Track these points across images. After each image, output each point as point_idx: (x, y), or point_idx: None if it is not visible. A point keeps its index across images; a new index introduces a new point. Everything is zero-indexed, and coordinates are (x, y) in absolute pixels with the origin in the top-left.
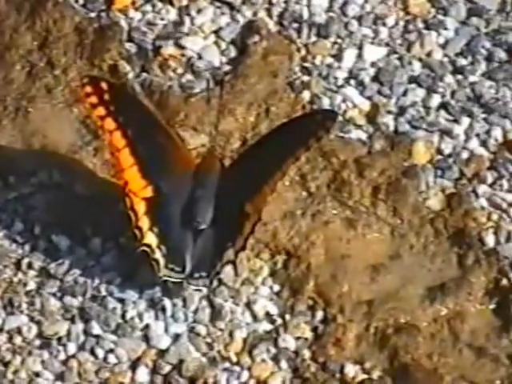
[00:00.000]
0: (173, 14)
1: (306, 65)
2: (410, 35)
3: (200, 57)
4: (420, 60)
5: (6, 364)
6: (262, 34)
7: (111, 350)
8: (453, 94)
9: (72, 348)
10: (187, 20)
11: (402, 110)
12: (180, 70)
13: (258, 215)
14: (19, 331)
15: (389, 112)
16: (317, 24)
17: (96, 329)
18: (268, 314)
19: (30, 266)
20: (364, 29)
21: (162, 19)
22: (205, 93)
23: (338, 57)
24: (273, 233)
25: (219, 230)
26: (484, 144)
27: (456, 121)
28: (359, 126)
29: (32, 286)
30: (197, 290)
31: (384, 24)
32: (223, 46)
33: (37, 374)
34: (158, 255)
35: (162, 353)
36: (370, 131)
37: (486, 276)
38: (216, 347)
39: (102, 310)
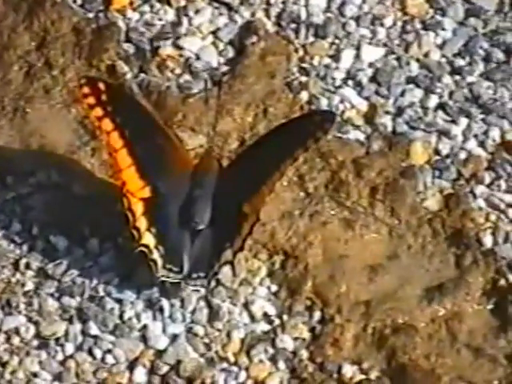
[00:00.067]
0: (171, 15)
1: (303, 65)
2: (408, 36)
3: (198, 57)
4: (418, 60)
5: (4, 364)
6: (259, 34)
7: (109, 351)
8: (451, 94)
9: (70, 348)
10: (185, 20)
11: (399, 111)
12: (178, 71)
13: (257, 216)
14: (17, 331)
15: (387, 112)
16: (315, 24)
17: (94, 329)
18: (266, 315)
19: (27, 266)
20: (362, 29)
21: (160, 20)
22: (203, 93)
23: (335, 57)
24: (271, 233)
25: (217, 231)
26: (482, 144)
27: (454, 121)
28: (357, 127)
29: (30, 286)
30: (195, 290)
31: (382, 24)
32: (221, 46)
33: (35, 375)
34: (155, 256)
35: (159, 353)
36: (368, 132)
37: (484, 276)
38: (214, 348)
39: (100, 311)
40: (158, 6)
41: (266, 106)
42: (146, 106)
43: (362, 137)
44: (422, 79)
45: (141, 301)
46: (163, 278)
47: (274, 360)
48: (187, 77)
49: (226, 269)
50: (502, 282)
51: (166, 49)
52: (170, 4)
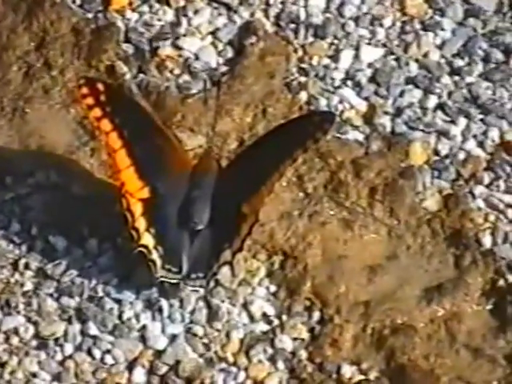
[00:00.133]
0: (170, 15)
1: (302, 66)
2: (407, 36)
3: (197, 57)
4: (417, 61)
5: (3, 364)
6: (258, 34)
7: (108, 351)
8: (450, 94)
9: (69, 348)
10: (184, 21)
11: (398, 111)
12: (177, 71)
13: (256, 216)
14: (16, 332)
15: (386, 113)
16: (314, 25)
17: (93, 329)
18: (265, 315)
19: (27, 266)
20: (361, 30)
21: (159, 20)
22: (202, 93)
23: (334, 58)
24: (270, 233)
25: (216, 231)
26: (481, 145)
27: (453, 122)
28: (356, 127)
29: (29, 286)
30: (194, 290)
31: (381, 25)
32: (220, 46)
33: (34, 375)
34: (154, 256)
35: (158, 353)
36: (367, 132)
37: (483, 277)
38: (213, 348)
39: (99, 311)
40: (157, 6)
41: (265, 107)
42: (145, 107)
43: (361, 137)
44: (421, 79)
45: (140, 301)
46: (162, 279)
47: (273, 360)
48: (186, 77)
49: (225, 269)
50: (501, 282)
51: (165, 49)
52: (169, 4)
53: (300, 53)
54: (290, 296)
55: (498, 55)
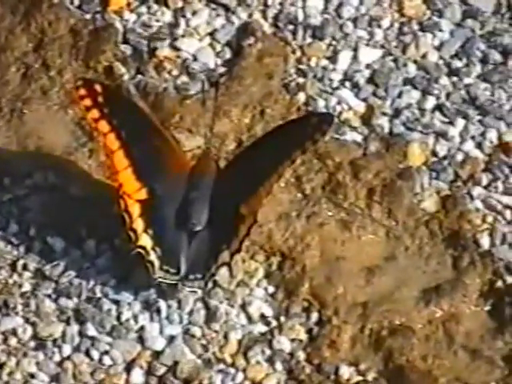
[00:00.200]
0: (168, 16)
1: (301, 67)
2: (405, 37)
3: (195, 58)
4: (415, 62)
5: (1, 365)
6: (257, 35)
7: (106, 352)
8: (448, 95)
9: (67, 349)
10: (182, 22)
11: (397, 112)
12: (175, 72)
13: (254, 217)
14: (14, 332)
15: (384, 114)
16: (312, 26)
17: (91, 330)
18: (263, 316)
19: (25, 267)
20: (359, 31)
21: (158, 21)
22: (200, 95)
23: (333, 59)
24: (268, 234)
25: (214, 232)
26: (479, 146)
27: (451, 123)
28: (354, 128)
29: (27, 287)
30: (192, 291)
31: (379, 26)
32: (218, 47)
33: (32, 376)
34: (152, 257)
35: (156, 354)
36: (365, 133)
37: (481, 278)
38: (211, 349)
39: (97, 312)
40: (155, 7)
41: (263, 108)
42: (143, 108)
43: (359, 138)
44: (419, 80)
45: (138, 302)
46: (160, 280)
47: (271, 361)
48: (184, 78)
49: (223, 270)
50: (499, 283)
51: (164, 50)
52: (167, 5)
53: (298, 54)
54: (287, 297)
55: (496, 56)
